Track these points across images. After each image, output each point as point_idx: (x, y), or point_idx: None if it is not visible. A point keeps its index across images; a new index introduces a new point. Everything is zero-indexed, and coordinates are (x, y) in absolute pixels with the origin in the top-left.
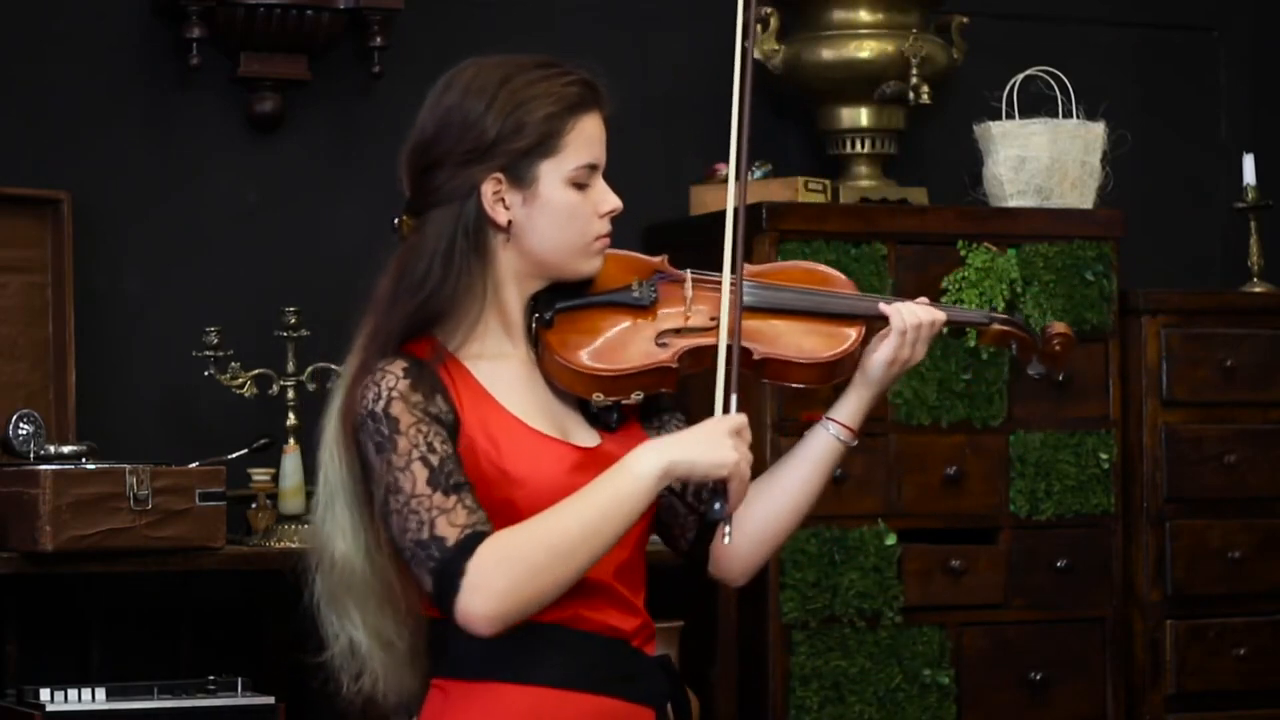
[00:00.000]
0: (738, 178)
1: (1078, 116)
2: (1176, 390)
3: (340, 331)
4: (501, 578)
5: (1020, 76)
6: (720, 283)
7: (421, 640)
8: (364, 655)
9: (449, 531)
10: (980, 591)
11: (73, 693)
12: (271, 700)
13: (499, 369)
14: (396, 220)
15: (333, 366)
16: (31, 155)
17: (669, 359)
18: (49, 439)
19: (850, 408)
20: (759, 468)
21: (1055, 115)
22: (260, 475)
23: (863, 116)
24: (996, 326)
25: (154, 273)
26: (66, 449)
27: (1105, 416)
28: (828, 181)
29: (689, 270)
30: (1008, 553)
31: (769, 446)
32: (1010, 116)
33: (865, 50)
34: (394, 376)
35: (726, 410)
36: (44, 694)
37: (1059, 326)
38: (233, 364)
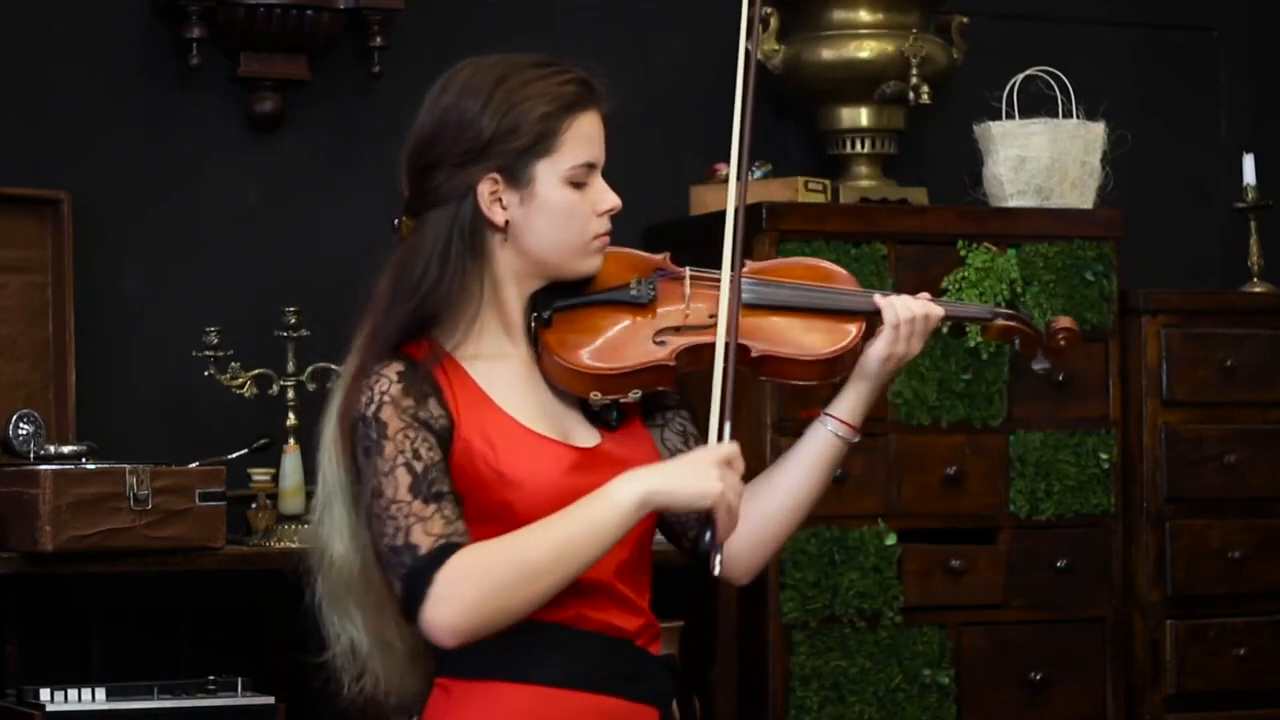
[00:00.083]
0: (738, 178)
1: (1078, 116)
2: (1176, 390)
3: (340, 331)
4: (468, 591)
5: (1020, 76)
6: (719, 280)
7: (422, 641)
8: (365, 656)
9: (423, 540)
10: (980, 591)
11: (73, 693)
12: (271, 700)
13: (498, 369)
14: (396, 221)
15: (333, 366)
16: (31, 155)
17: (666, 357)
18: (49, 439)
19: (848, 403)
20: (760, 468)
21: (1055, 115)
22: (260, 475)
23: (863, 116)
24: (1000, 322)
25: (154, 273)
26: (66, 449)
27: (1105, 416)
28: (828, 181)
29: (688, 268)
30: (1008, 553)
31: (769, 446)
32: (1010, 116)
33: (865, 50)
34: (387, 380)
35: (721, 438)
36: (44, 694)
37: (1064, 321)
38: (233, 364)
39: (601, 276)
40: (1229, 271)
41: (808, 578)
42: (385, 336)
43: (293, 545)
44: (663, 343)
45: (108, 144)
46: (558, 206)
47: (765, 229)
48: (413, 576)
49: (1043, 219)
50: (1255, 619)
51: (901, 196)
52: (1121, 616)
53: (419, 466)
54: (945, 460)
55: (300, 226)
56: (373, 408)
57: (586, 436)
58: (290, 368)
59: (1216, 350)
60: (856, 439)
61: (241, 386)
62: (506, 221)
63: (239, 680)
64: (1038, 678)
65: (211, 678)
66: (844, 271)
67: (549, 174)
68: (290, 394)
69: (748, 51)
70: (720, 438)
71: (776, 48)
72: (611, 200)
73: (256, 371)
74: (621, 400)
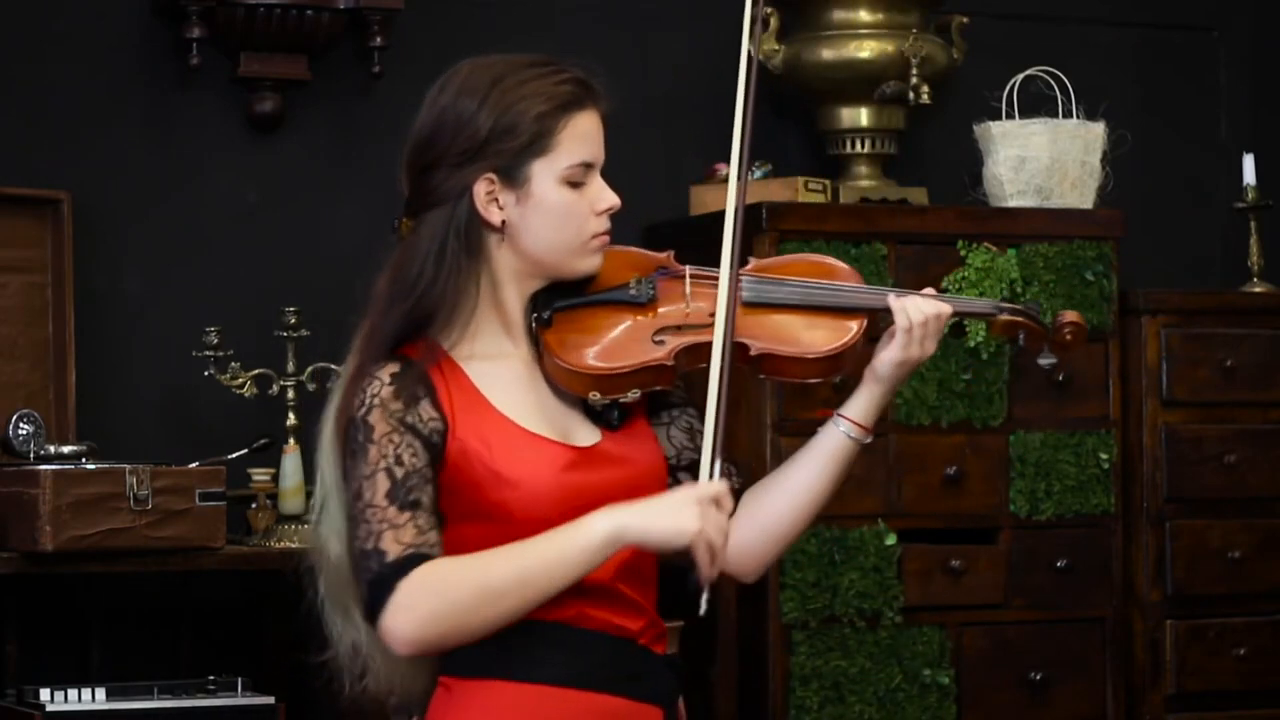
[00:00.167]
0: (739, 180)
1: (1078, 116)
2: (1176, 390)
3: (340, 331)
4: (428, 604)
5: (1020, 76)
6: (719, 279)
7: None
8: (367, 655)
9: (393, 548)
10: (980, 591)
11: (73, 693)
12: (271, 700)
13: (496, 369)
14: (396, 222)
15: (333, 366)
16: (31, 155)
17: (664, 357)
18: (49, 439)
19: (861, 404)
20: (759, 468)
21: (1055, 115)
22: (260, 475)
23: (863, 116)
24: (1005, 317)
25: (154, 273)
26: (66, 449)
27: (1105, 416)
28: (828, 181)
29: (688, 266)
30: (1008, 553)
31: (769, 447)
32: (1010, 116)
33: (865, 50)
34: (379, 383)
35: (712, 476)
36: (44, 694)
37: (1070, 315)
38: (233, 364)
39: (603, 276)
40: (1229, 271)
41: (808, 578)
42: (382, 337)
43: (293, 545)
44: (661, 342)
45: (108, 144)
46: (554, 206)
47: (765, 229)
48: (377, 582)
49: (1043, 219)
50: (1255, 619)
51: (901, 196)
52: (1121, 616)
53: (399, 473)
54: (945, 460)
55: (300, 226)
56: (363, 410)
57: (587, 436)
58: (290, 368)
59: (1216, 350)
60: (869, 440)
61: (241, 386)
62: (503, 221)
63: (239, 680)
64: (1038, 678)
65: (211, 678)
66: (847, 267)
67: (545, 174)
68: (290, 394)
69: (750, 56)
70: (711, 475)
71: (776, 48)
72: (610, 199)
73: (256, 371)
74: (621, 400)
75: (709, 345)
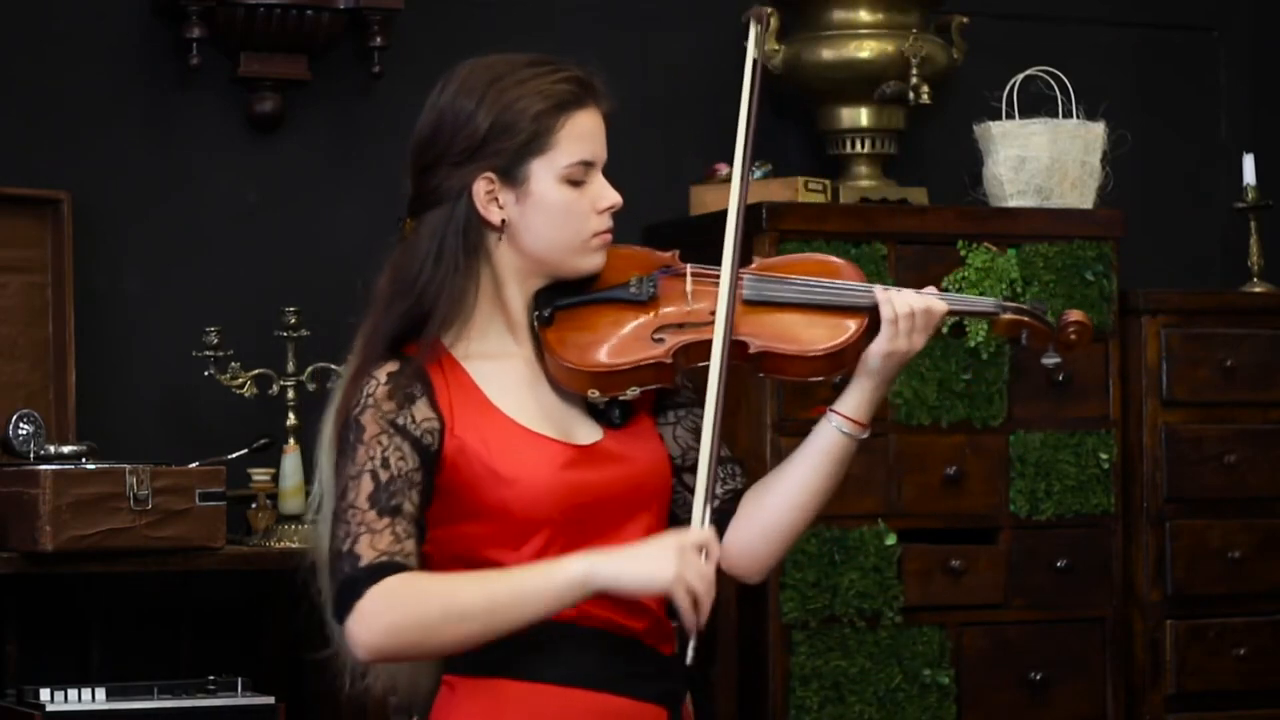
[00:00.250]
0: (740, 178)
1: (1078, 116)
2: (1176, 390)
3: (340, 331)
4: (392, 615)
5: (1020, 76)
6: (719, 277)
7: None
8: None
9: (367, 553)
10: (980, 591)
11: (73, 693)
12: (271, 700)
13: (497, 368)
14: (400, 222)
15: (333, 366)
16: (31, 155)
17: (663, 354)
18: (49, 439)
19: (853, 400)
20: (759, 468)
21: (1055, 115)
22: (260, 475)
23: (863, 116)
24: (1009, 316)
25: (154, 273)
26: (66, 449)
27: (1105, 416)
28: (828, 181)
29: (689, 265)
30: (1008, 553)
31: (769, 446)
32: (1010, 116)
33: (865, 50)
34: (375, 382)
35: (703, 523)
36: (44, 694)
37: (1075, 314)
38: (233, 364)
39: (606, 274)
40: (1229, 271)
41: (808, 578)
42: (382, 336)
43: (293, 545)
44: (660, 340)
45: (108, 144)
46: (554, 205)
47: (765, 229)
48: (347, 585)
49: (1043, 219)
50: (1255, 619)
51: (901, 196)
52: (1121, 616)
53: (384, 476)
54: (945, 460)
55: (300, 226)
56: (358, 409)
57: (588, 435)
58: (290, 368)
59: (1216, 350)
60: (864, 435)
61: (241, 386)
62: (503, 221)
63: (239, 680)
64: (1038, 678)
65: (211, 678)
66: (849, 265)
67: (544, 172)
68: (290, 394)
69: (755, 64)
70: (703, 522)
71: (776, 48)
72: (611, 198)
73: (256, 371)
74: (620, 398)
75: (708, 343)
